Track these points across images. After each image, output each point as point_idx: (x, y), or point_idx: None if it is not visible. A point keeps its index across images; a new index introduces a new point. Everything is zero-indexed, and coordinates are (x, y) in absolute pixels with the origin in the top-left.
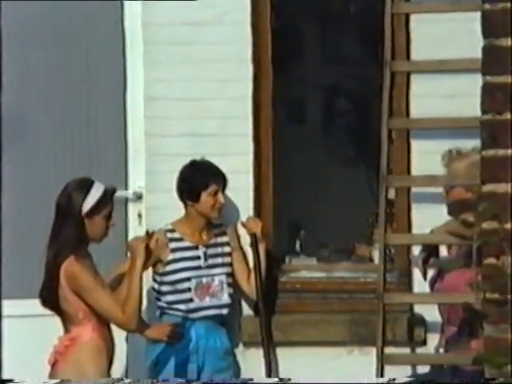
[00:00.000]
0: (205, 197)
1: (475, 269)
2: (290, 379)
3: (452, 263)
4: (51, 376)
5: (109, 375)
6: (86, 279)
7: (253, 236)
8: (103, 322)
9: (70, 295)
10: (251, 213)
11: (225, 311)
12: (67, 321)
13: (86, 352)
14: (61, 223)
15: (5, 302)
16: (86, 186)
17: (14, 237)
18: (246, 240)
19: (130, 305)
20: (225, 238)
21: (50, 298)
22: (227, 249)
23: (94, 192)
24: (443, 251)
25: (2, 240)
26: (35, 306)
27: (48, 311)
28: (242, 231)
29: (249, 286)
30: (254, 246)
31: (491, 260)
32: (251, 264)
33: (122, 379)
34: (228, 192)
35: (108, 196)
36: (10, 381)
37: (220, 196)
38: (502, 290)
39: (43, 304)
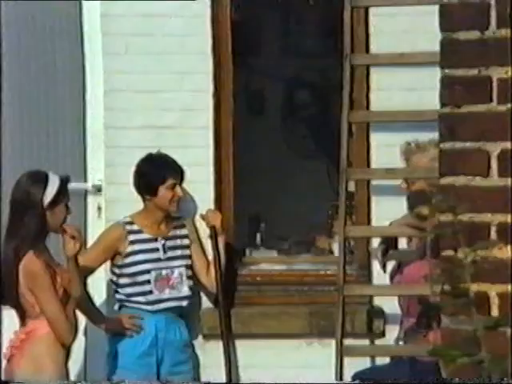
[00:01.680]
0: (162, 191)
1: (430, 261)
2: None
3: (410, 255)
4: (7, 370)
5: (66, 369)
6: (43, 279)
7: (212, 229)
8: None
9: (26, 291)
10: (211, 205)
11: (184, 303)
12: (23, 315)
13: (43, 346)
14: (20, 217)
15: None
16: (41, 178)
17: None
18: (205, 233)
19: (70, 317)
20: (184, 231)
21: (10, 294)
22: (186, 241)
23: (51, 183)
24: (403, 243)
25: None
26: None
27: None
28: (201, 224)
29: (208, 278)
30: (214, 238)
31: (448, 252)
32: (210, 257)
33: (80, 382)
34: (188, 185)
35: (65, 185)
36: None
37: (178, 189)
38: (458, 281)
39: (4, 302)
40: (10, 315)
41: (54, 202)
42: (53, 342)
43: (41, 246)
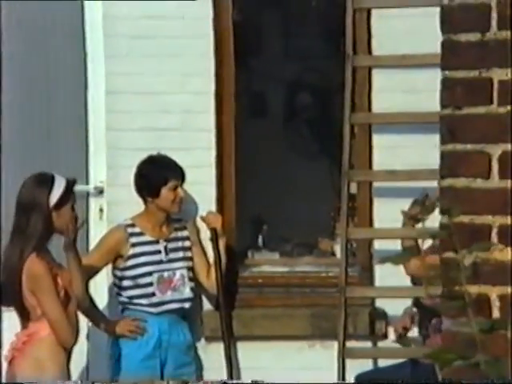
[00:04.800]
0: (165, 192)
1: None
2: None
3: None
4: (9, 373)
5: (68, 371)
6: (46, 282)
7: (213, 231)
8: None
9: (28, 293)
10: (213, 207)
11: (187, 305)
12: (25, 317)
13: (44, 348)
14: (26, 219)
15: None
16: (47, 179)
17: None
18: (206, 235)
19: (71, 320)
20: (185, 233)
21: (12, 295)
22: (187, 243)
23: (57, 185)
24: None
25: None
26: None
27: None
28: (202, 226)
29: (208, 280)
30: (214, 240)
31: (448, 254)
32: (211, 259)
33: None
34: (190, 186)
35: (70, 187)
36: None
37: (180, 190)
38: (456, 283)
39: (2, 300)
40: (10, 316)
41: (60, 203)
42: (54, 344)
43: (44, 249)
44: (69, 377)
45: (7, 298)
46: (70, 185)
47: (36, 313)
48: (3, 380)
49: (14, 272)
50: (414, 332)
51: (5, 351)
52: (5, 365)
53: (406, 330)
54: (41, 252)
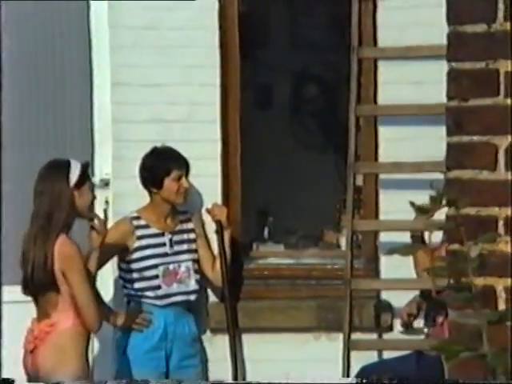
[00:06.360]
0: (168, 183)
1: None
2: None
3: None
4: (30, 363)
5: (87, 361)
6: (77, 262)
7: (218, 223)
8: None
9: (58, 275)
10: (219, 199)
11: (192, 297)
12: (48, 305)
13: (67, 338)
14: (50, 205)
15: (5, 288)
16: (63, 163)
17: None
18: (211, 227)
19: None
20: (190, 225)
21: (45, 280)
22: (192, 235)
23: (73, 166)
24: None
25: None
26: None
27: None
28: (207, 218)
29: (214, 272)
30: (219, 232)
31: (454, 246)
32: (216, 251)
33: (106, 382)
34: (195, 179)
35: (85, 169)
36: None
37: (183, 181)
38: (462, 275)
39: (26, 289)
40: (10, 312)
41: (80, 182)
42: (77, 335)
43: (69, 233)
44: (89, 367)
45: (36, 285)
46: (85, 167)
47: (62, 301)
48: (22, 369)
49: (43, 256)
50: (419, 323)
51: (5, 343)
52: (26, 355)
53: (412, 317)
54: (68, 234)
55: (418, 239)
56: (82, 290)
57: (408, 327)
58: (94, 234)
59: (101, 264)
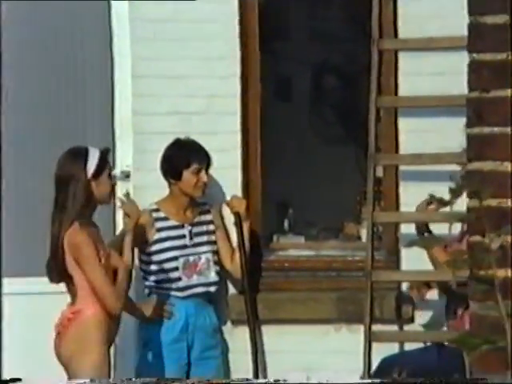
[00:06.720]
0: (187, 175)
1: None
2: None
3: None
4: (55, 347)
5: (108, 351)
6: (87, 249)
7: (236, 215)
8: None
9: (72, 264)
10: (239, 191)
11: (212, 289)
12: (71, 293)
13: (88, 327)
14: (65, 193)
15: (5, 280)
16: (81, 151)
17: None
18: (230, 219)
19: (118, 286)
20: (209, 216)
21: (57, 268)
22: (211, 227)
23: (92, 154)
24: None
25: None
26: (35, 283)
27: (47, 289)
28: (226, 210)
29: (232, 264)
30: (238, 224)
31: (476, 237)
32: (235, 243)
33: (131, 379)
34: (216, 170)
35: (105, 156)
36: (16, 380)
37: (203, 174)
38: (484, 267)
39: (50, 277)
40: (12, 306)
41: (98, 171)
42: (98, 324)
43: (88, 221)
44: (109, 358)
45: (54, 274)
46: (104, 154)
47: (82, 288)
48: (3, 374)
49: (56, 245)
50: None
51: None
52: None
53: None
54: (84, 223)
55: (423, 232)
56: (95, 275)
57: (422, 299)
58: (127, 218)
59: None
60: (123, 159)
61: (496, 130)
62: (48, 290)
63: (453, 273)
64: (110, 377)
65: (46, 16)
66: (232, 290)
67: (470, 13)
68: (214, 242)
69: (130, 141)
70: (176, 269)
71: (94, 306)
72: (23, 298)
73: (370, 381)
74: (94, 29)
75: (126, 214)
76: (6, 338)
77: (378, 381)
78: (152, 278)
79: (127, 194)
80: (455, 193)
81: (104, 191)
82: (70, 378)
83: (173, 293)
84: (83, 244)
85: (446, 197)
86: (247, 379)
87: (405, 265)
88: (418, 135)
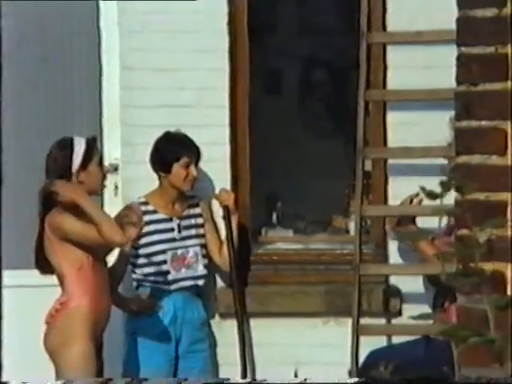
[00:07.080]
0: (176, 168)
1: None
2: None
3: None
4: (43, 337)
5: (96, 343)
6: (69, 222)
7: (225, 208)
8: (97, 286)
9: (58, 246)
10: (228, 184)
11: (201, 282)
12: (61, 281)
13: (73, 319)
14: (48, 185)
15: (5, 273)
16: (67, 142)
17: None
18: (219, 212)
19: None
20: (197, 210)
21: (40, 256)
22: (200, 220)
23: (77, 145)
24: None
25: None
26: (34, 276)
27: (46, 282)
28: (216, 203)
29: (221, 257)
30: (227, 218)
31: (463, 231)
32: (224, 236)
33: (112, 379)
34: (204, 164)
35: (91, 145)
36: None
37: (192, 168)
38: (470, 260)
39: (39, 269)
40: (12, 300)
41: (85, 161)
42: (82, 317)
43: (74, 212)
44: (96, 353)
45: (40, 263)
46: (91, 143)
47: (68, 279)
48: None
49: (39, 235)
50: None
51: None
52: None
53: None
54: (65, 210)
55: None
56: (83, 230)
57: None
58: (129, 230)
59: (110, 250)
60: (111, 152)
61: (484, 123)
62: (47, 283)
63: (442, 266)
64: (95, 372)
65: (33, 8)
66: (220, 283)
67: (459, 6)
68: (203, 236)
69: (119, 134)
70: (164, 262)
71: (79, 299)
72: (22, 290)
73: (355, 380)
74: (83, 21)
75: (131, 223)
76: (4, 331)
77: (362, 380)
78: (140, 271)
79: (116, 188)
80: (446, 186)
81: (94, 181)
82: (55, 369)
83: (161, 286)
84: (63, 220)
85: (435, 190)
86: (223, 379)
87: (393, 258)
88: (406, 129)
